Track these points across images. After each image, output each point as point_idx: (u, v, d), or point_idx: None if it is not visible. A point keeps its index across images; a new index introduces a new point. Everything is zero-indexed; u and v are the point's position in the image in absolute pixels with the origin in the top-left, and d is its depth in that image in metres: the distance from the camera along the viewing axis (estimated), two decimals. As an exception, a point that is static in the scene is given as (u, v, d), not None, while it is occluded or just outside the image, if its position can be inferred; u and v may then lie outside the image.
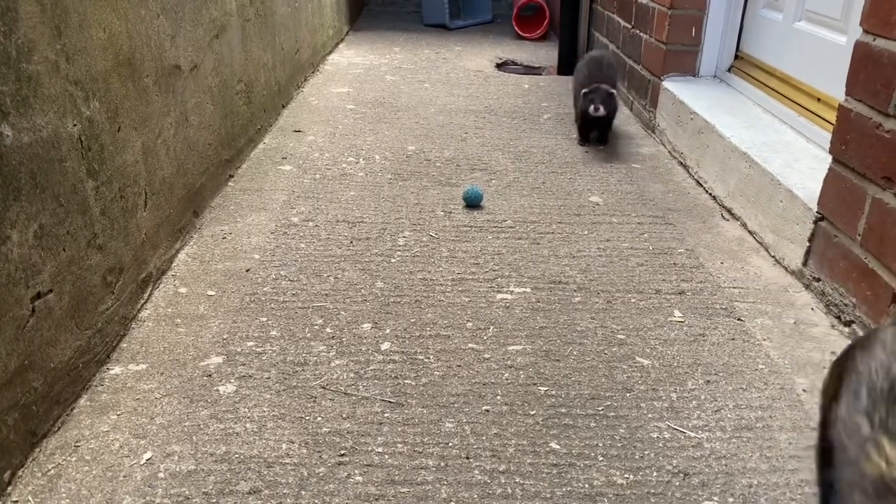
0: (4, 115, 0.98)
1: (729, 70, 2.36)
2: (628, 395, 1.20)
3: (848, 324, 1.37)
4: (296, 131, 2.50)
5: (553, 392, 1.21)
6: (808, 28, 1.93)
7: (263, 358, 1.28)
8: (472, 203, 1.90)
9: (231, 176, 2.06)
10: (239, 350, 1.30)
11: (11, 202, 1.00)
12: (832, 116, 1.64)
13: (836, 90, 1.74)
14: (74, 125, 1.17)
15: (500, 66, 3.70)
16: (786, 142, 1.85)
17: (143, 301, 1.43)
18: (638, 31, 2.69)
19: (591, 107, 2.25)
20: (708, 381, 1.24)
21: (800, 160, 1.72)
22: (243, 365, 1.26)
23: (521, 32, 4.32)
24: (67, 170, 1.15)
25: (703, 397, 1.20)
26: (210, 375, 1.24)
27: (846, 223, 1.38)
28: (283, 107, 2.72)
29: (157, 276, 1.51)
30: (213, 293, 1.49)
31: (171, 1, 1.59)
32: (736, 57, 2.35)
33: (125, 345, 1.32)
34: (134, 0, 1.40)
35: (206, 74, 1.84)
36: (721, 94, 2.26)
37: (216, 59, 1.92)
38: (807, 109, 1.89)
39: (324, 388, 1.21)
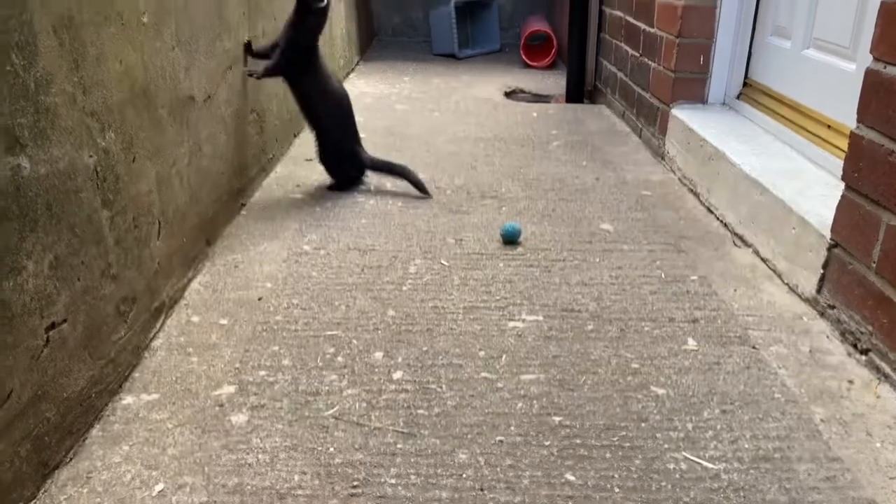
0: (22, 148, 1.00)
1: (738, 97, 2.37)
2: (643, 424, 1.19)
3: (864, 352, 1.36)
4: (307, 160, 2.52)
5: (567, 422, 1.19)
6: (816, 55, 1.94)
7: (276, 387, 1.28)
8: (511, 239, 1.87)
9: (243, 205, 2.08)
10: (251, 379, 1.30)
11: (28, 233, 1.01)
12: (843, 143, 1.64)
13: (846, 117, 1.74)
14: (90, 156, 1.18)
15: (509, 94, 3.73)
16: (797, 168, 1.84)
17: (155, 330, 1.43)
18: (646, 60, 2.71)
19: None
20: (724, 410, 1.23)
21: (811, 187, 1.72)
22: (255, 394, 1.26)
23: (529, 61, 4.36)
24: (83, 200, 1.16)
25: (719, 427, 1.19)
26: (222, 405, 1.23)
27: (860, 250, 1.37)
28: (295, 136, 2.75)
29: (170, 305, 1.51)
30: (225, 322, 1.49)
31: (185, 34, 1.61)
32: (745, 84, 2.36)
33: (137, 374, 1.31)
34: (150, 33, 1.42)
35: (220, 105, 1.86)
36: (730, 121, 2.27)
37: (229, 89, 1.94)
38: (817, 136, 1.89)
39: (336, 418, 1.20)
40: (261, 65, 2.09)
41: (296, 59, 2.06)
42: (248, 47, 2.10)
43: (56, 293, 1.08)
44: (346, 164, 2.24)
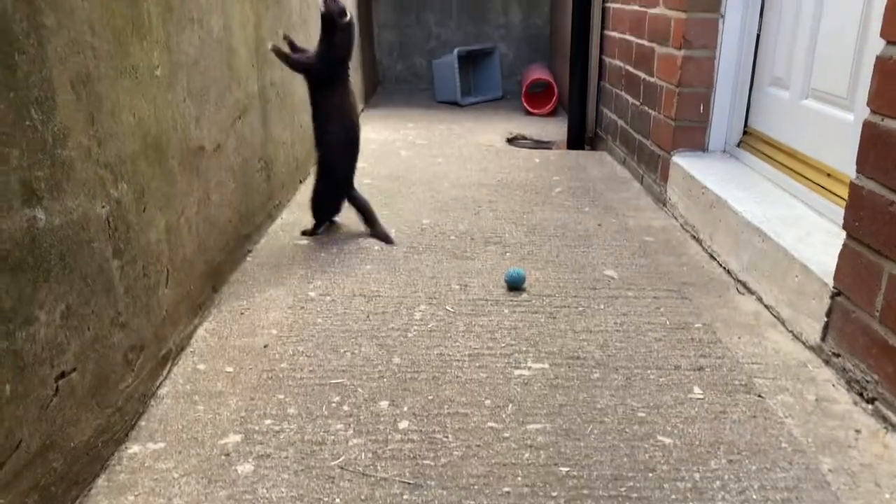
0: (39, 200, 1.02)
1: (738, 145, 2.40)
2: (650, 475, 1.19)
3: (871, 401, 1.36)
4: (312, 206, 2.55)
5: (575, 473, 1.19)
6: (814, 105, 1.97)
7: (281, 436, 1.28)
8: (515, 285, 1.89)
9: (249, 251, 2.10)
10: (257, 428, 1.30)
11: (41, 283, 1.02)
12: (843, 191, 1.66)
13: (845, 165, 1.77)
14: (103, 207, 1.20)
15: (511, 140, 3.78)
16: (798, 216, 1.87)
17: (162, 378, 1.44)
18: (646, 108, 2.76)
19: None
20: (731, 460, 1.22)
21: (812, 234, 1.74)
22: (261, 444, 1.26)
23: (530, 109, 4.43)
24: (95, 250, 1.17)
25: (726, 477, 1.18)
26: (228, 454, 1.23)
27: (863, 299, 1.38)
28: (301, 182, 2.78)
29: (177, 352, 1.52)
30: (231, 370, 1.49)
31: (197, 85, 1.65)
32: (745, 132, 2.40)
33: (144, 423, 1.31)
34: (163, 86, 1.46)
35: (229, 154, 1.89)
36: (731, 168, 2.30)
37: (238, 138, 1.98)
38: (817, 184, 1.91)
39: (342, 468, 1.20)
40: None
41: (325, 71, 2.14)
42: (287, 39, 2.20)
43: (66, 342, 1.09)
44: (330, 196, 2.28)
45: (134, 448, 1.25)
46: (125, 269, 1.28)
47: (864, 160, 1.39)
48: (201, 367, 1.50)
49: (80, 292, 1.13)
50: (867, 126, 1.38)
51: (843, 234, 1.46)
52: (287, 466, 1.20)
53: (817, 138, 1.95)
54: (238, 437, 1.27)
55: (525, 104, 4.46)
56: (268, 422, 1.32)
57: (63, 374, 1.08)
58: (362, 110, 4.44)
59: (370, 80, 4.88)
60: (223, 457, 1.22)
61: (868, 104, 1.38)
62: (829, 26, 1.90)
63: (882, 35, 1.34)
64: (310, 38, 2.91)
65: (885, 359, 1.32)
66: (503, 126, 4.07)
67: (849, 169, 1.49)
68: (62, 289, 1.08)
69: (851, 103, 1.79)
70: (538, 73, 4.57)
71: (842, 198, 1.74)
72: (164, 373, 1.45)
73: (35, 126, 1.01)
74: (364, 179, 2.88)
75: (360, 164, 2.92)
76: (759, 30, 2.29)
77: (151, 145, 1.40)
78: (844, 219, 1.46)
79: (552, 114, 4.43)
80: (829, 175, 1.88)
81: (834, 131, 1.86)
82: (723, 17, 2.32)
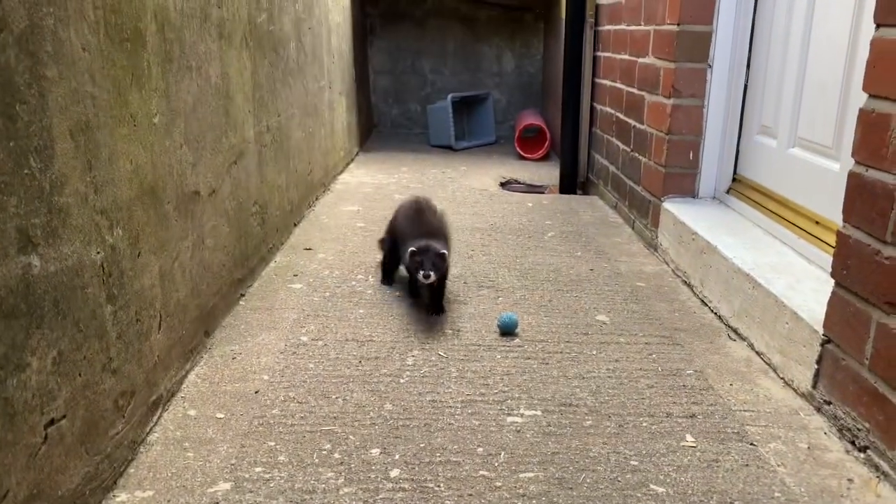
0: (34, 247, 1.02)
1: (727, 192, 2.44)
2: (644, 525, 1.18)
3: (863, 449, 1.36)
4: (306, 249, 2.56)
5: (567, 522, 1.18)
6: (801, 154, 2.01)
7: (272, 485, 1.26)
8: (508, 331, 1.89)
9: (242, 295, 2.10)
10: (247, 476, 1.29)
11: (34, 330, 1.02)
12: (831, 238, 1.68)
13: (833, 213, 1.80)
14: (98, 253, 1.21)
15: (504, 185, 3.82)
16: (787, 263, 1.88)
17: (152, 424, 1.43)
18: (637, 155, 2.80)
19: (422, 273, 1.88)
20: (724, 510, 1.22)
21: (802, 281, 1.75)
22: (251, 492, 1.24)
23: (523, 153, 4.49)
24: (88, 296, 1.18)
25: (720, 528, 1.17)
26: (218, 503, 1.21)
27: (853, 347, 1.39)
28: (295, 225, 2.80)
29: (167, 398, 1.51)
30: (221, 416, 1.48)
31: (193, 132, 1.68)
32: (734, 179, 2.43)
33: (132, 470, 1.30)
34: (160, 133, 1.48)
35: (224, 198, 1.91)
36: (721, 215, 2.33)
37: (233, 183, 2.00)
38: (806, 231, 1.94)
39: (332, 517, 1.18)
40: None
41: None
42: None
43: (57, 389, 1.08)
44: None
45: (122, 496, 1.23)
46: (118, 315, 1.28)
47: (851, 210, 1.42)
48: (192, 412, 1.50)
49: (73, 338, 1.13)
50: (852, 176, 1.41)
51: (832, 280, 1.48)
52: (277, 516, 1.19)
53: (805, 186, 1.98)
54: (228, 486, 1.26)
55: (518, 149, 4.52)
56: (258, 469, 1.31)
57: (52, 422, 1.07)
58: (357, 153, 4.49)
59: (365, 124, 4.95)
60: (212, 505, 1.21)
61: (853, 155, 1.41)
62: (815, 78, 1.95)
63: (864, 89, 1.38)
64: (306, 84, 2.97)
65: (875, 407, 1.32)
66: (496, 170, 4.11)
67: (836, 217, 1.51)
68: (55, 335, 1.08)
69: (837, 153, 1.82)
70: (531, 118, 4.64)
71: (830, 245, 1.76)
72: (155, 419, 1.44)
73: (33, 174, 1.02)
74: (357, 223, 2.90)
75: (354, 207, 2.96)
76: (747, 80, 2.34)
77: (147, 191, 1.42)
78: (832, 267, 1.48)
79: (544, 158, 4.49)
80: (817, 223, 1.90)
81: (821, 180, 1.89)
82: (711, 67, 2.38)
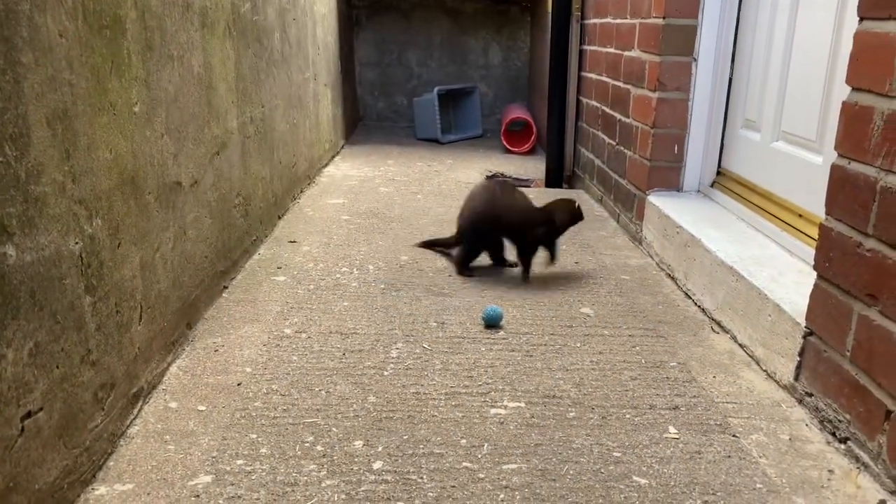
0: (10, 236, 1.01)
1: (712, 185, 2.44)
2: (626, 516, 1.18)
3: (843, 441, 1.37)
4: (291, 242, 2.54)
5: (549, 514, 1.18)
6: (785, 148, 2.02)
7: (253, 477, 1.26)
8: (492, 323, 1.89)
9: (225, 287, 2.08)
10: (228, 469, 1.28)
11: (10, 321, 1.01)
12: (814, 231, 1.69)
13: (816, 207, 1.81)
14: (76, 243, 1.19)
15: (491, 178, 3.81)
16: (770, 256, 1.89)
17: (132, 417, 1.41)
18: (622, 148, 2.80)
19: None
20: (706, 501, 1.22)
21: (785, 274, 1.76)
22: (232, 485, 1.23)
23: (509, 147, 4.48)
24: (66, 287, 1.16)
25: (702, 519, 1.18)
26: (198, 496, 1.20)
27: (834, 339, 1.40)
28: (279, 218, 2.78)
29: (148, 390, 1.50)
30: (203, 408, 1.47)
31: (175, 121, 1.66)
32: (718, 173, 2.44)
33: (112, 463, 1.29)
34: (140, 122, 1.46)
35: (206, 189, 1.89)
36: (705, 208, 2.33)
37: (216, 174, 1.98)
38: (789, 225, 1.95)
39: (314, 509, 1.18)
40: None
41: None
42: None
43: (34, 381, 1.07)
44: None
45: (101, 489, 1.22)
46: (97, 306, 1.27)
47: (833, 202, 1.42)
48: (173, 405, 1.48)
49: (50, 330, 1.11)
50: (835, 169, 1.41)
51: (815, 273, 1.48)
52: (258, 508, 1.18)
53: (788, 180, 1.99)
54: (209, 478, 1.25)
55: (504, 143, 4.51)
56: (239, 462, 1.30)
57: (29, 414, 1.06)
58: (342, 146, 4.47)
59: (351, 117, 4.92)
60: (193, 498, 1.20)
61: (836, 148, 1.41)
62: (798, 71, 1.96)
63: (847, 81, 1.38)
64: (290, 75, 2.94)
65: (856, 398, 1.33)
66: (482, 163, 4.11)
67: (819, 210, 1.52)
68: (31, 326, 1.06)
69: (820, 146, 1.83)
70: (517, 112, 4.64)
71: (813, 238, 1.77)
72: (135, 411, 1.43)
73: (9, 162, 1.00)
74: (342, 216, 2.88)
75: (339, 200, 2.95)
76: (732, 73, 2.35)
77: (127, 181, 1.40)
78: (815, 260, 1.48)
79: (531, 152, 4.48)
80: (800, 216, 1.91)
81: (804, 173, 1.90)
82: (696, 60, 2.38)
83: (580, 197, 3.36)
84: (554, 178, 3.62)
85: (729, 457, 1.35)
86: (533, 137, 4.46)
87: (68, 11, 1.16)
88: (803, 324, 1.51)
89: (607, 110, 3.03)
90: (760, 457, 1.35)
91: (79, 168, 1.20)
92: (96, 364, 1.26)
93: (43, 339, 1.09)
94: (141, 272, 1.46)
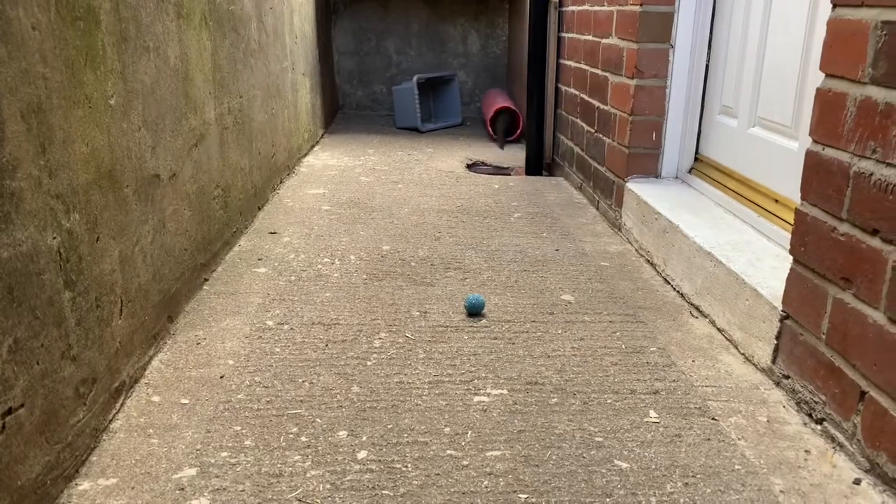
0: (-14, 232, 1.00)
1: (690, 171, 2.47)
2: (608, 500, 1.20)
3: (819, 421, 1.39)
4: (271, 233, 2.53)
5: (533, 500, 1.19)
6: (761, 133, 2.04)
7: (238, 469, 1.26)
8: (475, 311, 1.89)
9: (206, 280, 2.07)
10: (213, 461, 1.28)
11: (-12, 317, 1.00)
12: (790, 216, 1.71)
13: (791, 192, 1.84)
14: (54, 238, 1.18)
15: (471, 166, 3.82)
16: (747, 241, 1.92)
17: (115, 411, 1.41)
18: (601, 135, 2.82)
19: None
20: (686, 483, 1.24)
21: (762, 259, 1.79)
22: (217, 477, 1.24)
23: (494, 137, 4.47)
24: (45, 282, 1.15)
25: (682, 501, 1.20)
26: (183, 489, 1.21)
27: (810, 322, 1.43)
28: (259, 209, 2.76)
29: (130, 384, 1.49)
30: (186, 401, 1.47)
31: (152, 113, 1.64)
32: (696, 159, 2.46)
33: (95, 458, 1.28)
34: (117, 115, 1.45)
35: (185, 182, 1.88)
36: (683, 194, 2.36)
37: (195, 166, 1.96)
38: (765, 210, 1.97)
39: (299, 500, 1.18)
40: None
41: None
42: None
43: (14, 378, 1.06)
44: None
45: (84, 485, 1.21)
46: (77, 301, 1.26)
47: (808, 188, 1.45)
48: (156, 399, 1.48)
49: (29, 326, 1.10)
50: (810, 155, 1.43)
51: (791, 258, 1.51)
52: (244, 500, 1.18)
53: (764, 165, 2.02)
54: (193, 471, 1.25)
55: (489, 131, 4.50)
56: (224, 454, 1.30)
57: (10, 411, 1.05)
58: (322, 135, 4.45)
59: (330, 106, 4.89)
60: (178, 491, 1.20)
61: (810, 134, 1.43)
62: (774, 58, 1.97)
63: (821, 68, 1.40)
64: (268, 65, 2.92)
65: (831, 380, 1.36)
66: (463, 152, 4.11)
67: (795, 195, 1.54)
68: (10, 322, 1.05)
69: (796, 132, 1.86)
70: (501, 101, 4.63)
71: (789, 223, 1.80)
72: (118, 406, 1.42)
73: (-17, 157, 0.99)
74: (322, 206, 2.87)
75: (319, 190, 2.94)
76: (708, 60, 2.37)
77: (105, 175, 1.38)
78: (791, 244, 1.51)
79: (516, 140, 4.48)
80: (776, 201, 1.94)
81: (780, 159, 1.92)
82: (673, 47, 2.39)
83: (559, 185, 3.38)
84: (533, 165, 3.63)
85: (708, 439, 1.37)
86: (519, 130, 4.45)
87: (40, 3, 1.15)
88: (780, 307, 1.53)
89: (586, 98, 3.04)
90: (739, 439, 1.37)
91: (55, 162, 1.19)
92: (77, 359, 1.25)
93: (22, 336, 1.08)
94: (120, 266, 1.45)
